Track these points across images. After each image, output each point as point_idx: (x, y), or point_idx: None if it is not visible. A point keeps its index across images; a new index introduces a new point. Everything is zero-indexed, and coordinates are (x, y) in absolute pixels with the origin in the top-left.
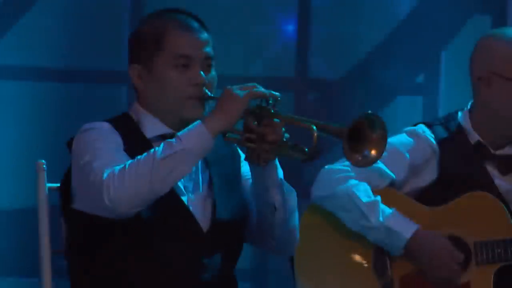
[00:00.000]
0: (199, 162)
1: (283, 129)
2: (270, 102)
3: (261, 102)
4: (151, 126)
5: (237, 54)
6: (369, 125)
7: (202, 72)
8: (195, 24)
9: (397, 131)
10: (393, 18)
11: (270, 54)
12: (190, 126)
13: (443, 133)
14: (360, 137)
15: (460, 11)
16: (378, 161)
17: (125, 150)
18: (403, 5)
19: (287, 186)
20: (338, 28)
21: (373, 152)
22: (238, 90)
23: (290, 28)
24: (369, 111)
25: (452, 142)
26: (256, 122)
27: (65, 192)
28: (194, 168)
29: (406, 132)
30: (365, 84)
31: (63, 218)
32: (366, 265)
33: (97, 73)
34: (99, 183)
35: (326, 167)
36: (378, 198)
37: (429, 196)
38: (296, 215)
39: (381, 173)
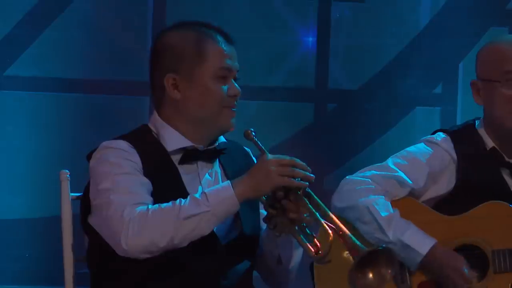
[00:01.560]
0: (219, 174)
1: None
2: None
3: None
4: (172, 139)
5: (257, 65)
6: (386, 260)
7: (236, 84)
8: (230, 39)
9: (415, 142)
10: (411, 29)
11: (290, 65)
12: (219, 186)
13: (461, 140)
14: (369, 263)
15: (478, 23)
16: (398, 170)
17: (144, 167)
18: (421, 16)
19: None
20: (357, 39)
21: (372, 278)
22: (275, 167)
23: (310, 39)
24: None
25: (469, 149)
26: (283, 194)
27: (85, 205)
28: (213, 179)
29: (424, 140)
30: (384, 95)
31: (83, 229)
32: None
33: (120, 84)
34: (118, 222)
35: (347, 177)
36: (397, 212)
37: (448, 204)
38: (298, 263)
39: (401, 182)
